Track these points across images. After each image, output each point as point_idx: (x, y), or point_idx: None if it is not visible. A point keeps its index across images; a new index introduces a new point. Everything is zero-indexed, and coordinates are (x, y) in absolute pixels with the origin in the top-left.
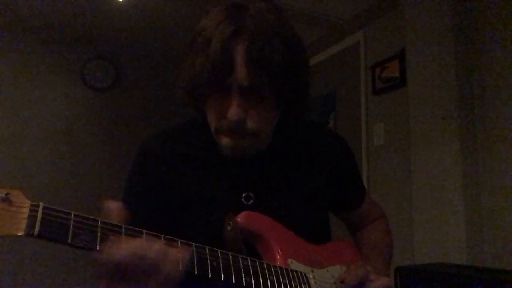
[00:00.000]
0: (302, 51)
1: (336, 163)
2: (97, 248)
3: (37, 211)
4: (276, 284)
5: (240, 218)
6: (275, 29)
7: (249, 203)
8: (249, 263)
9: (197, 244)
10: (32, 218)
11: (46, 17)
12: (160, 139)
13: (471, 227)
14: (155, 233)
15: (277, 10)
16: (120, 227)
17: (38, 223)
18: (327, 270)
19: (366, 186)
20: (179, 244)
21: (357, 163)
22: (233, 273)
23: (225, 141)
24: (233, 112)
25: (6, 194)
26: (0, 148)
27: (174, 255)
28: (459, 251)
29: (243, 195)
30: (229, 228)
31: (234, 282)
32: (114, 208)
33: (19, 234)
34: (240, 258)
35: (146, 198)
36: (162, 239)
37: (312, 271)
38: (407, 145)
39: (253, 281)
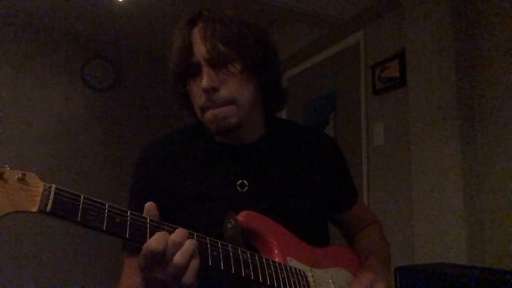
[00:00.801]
0: (260, 29)
1: (328, 163)
2: (104, 229)
3: (50, 191)
4: (274, 277)
5: (241, 216)
6: (230, 15)
7: (244, 190)
8: (248, 256)
9: (198, 234)
10: (45, 196)
11: (46, 17)
12: (158, 145)
13: (471, 227)
14: (174, 226)
15: (234, 12)
16: (126, 211)
17: (50, 201)
18: (326, 271)
19: (366, 186)
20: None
21: (347, 164)
22: (232, 263)
23: (207, 115)
24: (204, 81)
25: (22, 174)
26: (0, 148)
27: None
28: (459, 251)
29: (238, 183)
30: (229, 226)
31: (233, 272)
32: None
33: (33, 210)
34: (239, 251)
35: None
36: (195, 236)
37: (311, 270)
38: (407, 145)
39: (251, 273)
